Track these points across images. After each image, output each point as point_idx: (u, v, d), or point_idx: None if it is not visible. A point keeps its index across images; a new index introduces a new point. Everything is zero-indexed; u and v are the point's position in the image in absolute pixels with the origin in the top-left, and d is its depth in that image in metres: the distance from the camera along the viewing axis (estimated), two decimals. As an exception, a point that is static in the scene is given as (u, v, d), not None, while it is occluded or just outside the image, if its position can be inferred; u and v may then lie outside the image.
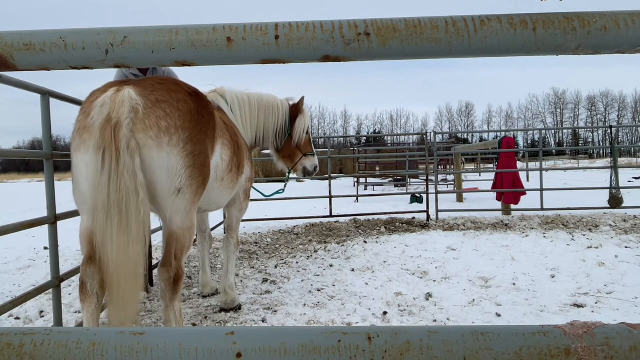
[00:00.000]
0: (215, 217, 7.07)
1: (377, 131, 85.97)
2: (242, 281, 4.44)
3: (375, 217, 8.28)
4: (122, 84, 2.30)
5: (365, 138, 45.33)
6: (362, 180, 16.60)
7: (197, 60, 0.81)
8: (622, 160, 38.40)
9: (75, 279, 4.16)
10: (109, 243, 2.00)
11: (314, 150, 4.25)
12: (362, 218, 8.22)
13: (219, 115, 2.99)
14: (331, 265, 4.98)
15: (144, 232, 2.08)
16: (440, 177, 15.25)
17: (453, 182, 15.43)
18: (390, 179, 18.33)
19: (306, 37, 0.78)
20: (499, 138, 9.81)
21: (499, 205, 8.84)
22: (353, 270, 4.75)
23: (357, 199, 11.92)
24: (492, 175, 11.71)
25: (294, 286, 4.20)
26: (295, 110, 4.02)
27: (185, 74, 4.37)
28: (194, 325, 3.30)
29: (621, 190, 7.86)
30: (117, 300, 2.05)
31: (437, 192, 8.17)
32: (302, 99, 4.09)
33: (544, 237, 6.20)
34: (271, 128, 3.91)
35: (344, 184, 19.70)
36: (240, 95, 3.77)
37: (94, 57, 0.80)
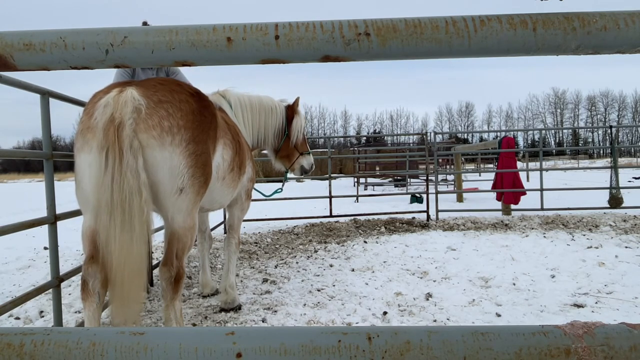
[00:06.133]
0: (215, 217, 7.07)
1: (377, 131, 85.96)
2: (242, 281, 4.44)
3: (375, 217, 8.28)
4: (125, 84, 2.32)
5: (365, 138, 45.33)
6: (362, 180, 16.60)
7: (197, 60, 0.81)
8: (622, 160, 38.41)
9: (75, 279, 4.16)
10: (113, 242, 2.01)
11: (309, 149, 4.39)
12: (362, 218, 8.22)
13: (220, 115, 3.01)
14: (331, 265, 4.98)
15: (147, 231, 2.10)
16: (440, 177, 15.25)
17: (453, 182, 15.43)
18: (390, 179, 18.33)
19: (306, 37, 0.78)
20: (499, 138, 9.80)
21: (499, 205, 8.83)
22: (353, 270, 4.75)
23: (357, 199, 11.92)
24: (492, 175, 11.70)
25: (294, 286, 4.20)
26: (291, 111, 4.14)
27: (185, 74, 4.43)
28: (194, 325, 3.30)
29: (621, 190, 7.86)
30: (120, 299, 2.06)
31: (437, 192, 8.17)
32: (297, 99, 4.22)
33: (544, 237, 6.20)
34: (270, 129, 4.02)
35: (344, 184, 19.70)
36: (242, 98, 3.87)
37: (94, 57, 0.80)
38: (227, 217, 4.27)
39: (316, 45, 0.78)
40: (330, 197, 8.31)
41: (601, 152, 61.02)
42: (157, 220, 2.56)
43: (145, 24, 3.82)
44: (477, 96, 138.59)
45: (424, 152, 9.00)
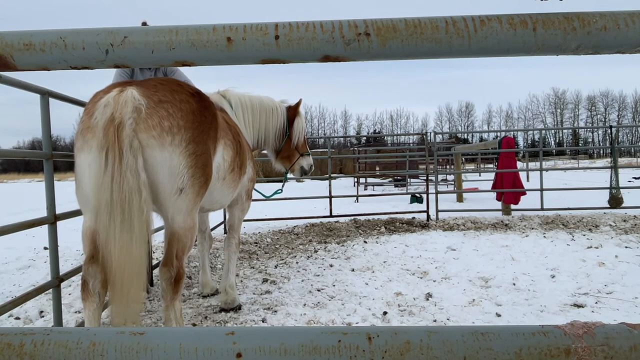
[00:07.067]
0: (215, 217, 7.07)
1: (377, 131, 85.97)
2: (242, 281, 4.44)
3: (375, 217, 8.28)
4: (125, 84, 2.32)
5: (365, 138, 45.32)
6: (362, 180, 16.60)
7: (197, 60, 0.81)
8: (622, 160, 38.43)
9: (75, 279, 4.16)
10: (112, 242, 2.01)
11: (309, 150, 4.43)
12: (362, 218, 8.22)
13: (221, 115, 3.01)
14: (331, 265, 4.98)
15: (147, 232, 2.10)
16: (440, 177, 15.25)
17: (453, 182, 15.42)
18: (390, 179, 18.33)
19: (306, 37, 0.78)
20: (499, 138, 9.80)
21: (499, 205, 8.83)
22: (353, 270, 4.75)
23: (357, 199, 11.92)
24: (492, 175, 11.70)
25: (294, 286, 4.20)
26: (293, 112, 4.14)
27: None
28: (194, 325, 3.30)
29: (621, 190, 7.87)
30: (120, 299, 2.06)
31: (437, 192, 8.17)
32: (300, 101, 4.22)
33: (544, 237, 6.20)
34: (271, 130, 4.02)
35: (344, 184, 19.70)
36: (243, 98, 3.86)
37: (94, 57, 0.80)
38: (227, 217, 4.28)
39: (316, 45, 0.78)
40: (330, 197, 8.31)
41: (601, 152, 61.06)
42: (157, 220, 2.56)
43: (144, 24, 3.82)
44: (477, 96, 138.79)
45: (424, 152, 9.00)
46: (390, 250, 5.65)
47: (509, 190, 8.50)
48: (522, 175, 10.53)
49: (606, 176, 9.65)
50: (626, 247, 5.36)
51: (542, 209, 8.00)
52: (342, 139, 75.17)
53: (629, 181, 15.91)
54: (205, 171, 2.46)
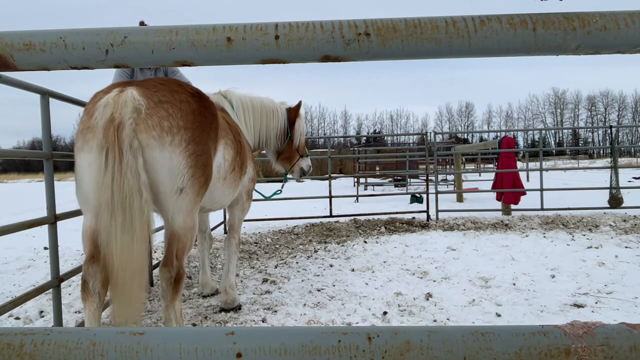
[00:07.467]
0: (215, 217, 7.07)
1: (377, 131, 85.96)
2: (242, 281, 4.44)
3: (375, 217, 8.28)
4: (125, 84, 2.32)
5: (365, 138, 45.30)
6: (362, 180, 16.60)
7: (197, 60, 0.81)
8: (622, 160, 38.44)
9: (75, 279, 4.16)
10: (113, 242, 2.02)
11: (308, 151, 4.49)
12: (362, 218, 8.22)
13: (222, 115, 3.01)
14: (331, 265, 4.98)
15: (147, 232, 2.10)
16: (440, 177, 15.25)
17: (453, 182, 15.43)
18: (390, 179, 18.33)
19: (306, 37, 0.78)
20: (499, 138, 9.80)
21: (499, 205, 8.83)
22: (353, 270, 4.75)
23: (357, 199, 11.92)
24: (492, 175, 11.71)
25: (294, 286, 4.20)
26: (294, 114, 4.16)
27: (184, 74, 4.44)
28: (194, 325, 3.30)
29: (621, 190, 7.87)
30: (121, 299, 2.06)
31: (437, 192, 8.17)
32: (300, 103, 4.24)
33: (544, 237, 6.20)
34: (272, 131, 4.03)
35: (344, 184, 19.70)
36: (244, 98, 3.88)
37: (94, 57, 0.80)
38: (227, 217, 4.28)
39: (316, 45, 0.78)
40: (330, 197, 8.31)
41: (601, 152, 61.08)
42: (158, 220, 2.56)
43: (142, 23, 3.82)
44: (477, 96, 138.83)
45: (424, 152, 9.00)
46: (390, 250, 5.65)
47: (509, 190, 8.50)
48: (522, 175, 10.54)
49: (606, 176, 9.66)
50: (626, 247, 5.35)
51: (542, 209, 8.00)
52: (342, 139, 75.18)
53: (629, 181, 15.91)
54: (206, 171, 2.46)
